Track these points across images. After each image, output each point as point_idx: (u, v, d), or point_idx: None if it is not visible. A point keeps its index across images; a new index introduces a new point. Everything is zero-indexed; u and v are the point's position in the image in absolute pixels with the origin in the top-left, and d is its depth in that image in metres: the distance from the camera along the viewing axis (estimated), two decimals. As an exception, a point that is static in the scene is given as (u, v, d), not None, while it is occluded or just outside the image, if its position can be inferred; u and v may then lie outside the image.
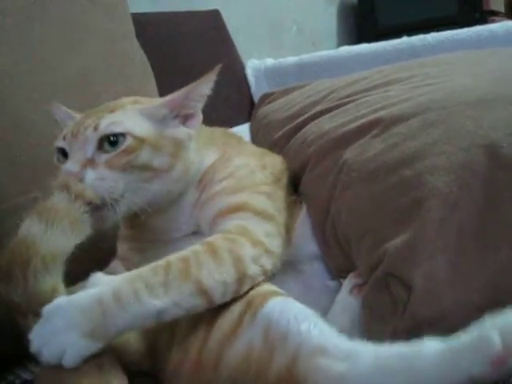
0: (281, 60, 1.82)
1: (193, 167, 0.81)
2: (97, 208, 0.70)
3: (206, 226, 0.79)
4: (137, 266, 0.68)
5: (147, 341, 0.72)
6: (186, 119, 0.81)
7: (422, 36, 1.60)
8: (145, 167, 0.75)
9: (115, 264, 0.86)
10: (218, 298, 0.66)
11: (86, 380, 0.61)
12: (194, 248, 0.69)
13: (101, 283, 0.64)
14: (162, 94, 1.29)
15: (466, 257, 0.63)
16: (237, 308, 0.67)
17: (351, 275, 0.79)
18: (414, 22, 2.69)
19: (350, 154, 0.83)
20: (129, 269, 0.72)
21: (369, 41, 1.91)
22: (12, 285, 0.64)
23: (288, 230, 0.83)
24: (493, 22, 2.49)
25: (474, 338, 0.52)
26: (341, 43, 2.89)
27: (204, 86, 0.80)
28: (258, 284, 0.70)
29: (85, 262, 0.69)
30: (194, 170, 0.82)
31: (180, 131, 0.80)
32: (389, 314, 0.67)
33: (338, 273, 0.83)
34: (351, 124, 0.88)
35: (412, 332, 0.64)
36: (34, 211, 0.67)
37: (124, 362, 0.67)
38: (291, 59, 1.79)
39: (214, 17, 1.90)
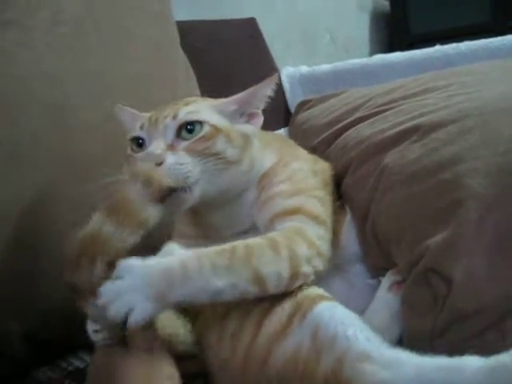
0: (315, 67, 1.84)
1: (256, 163, 0.86)
2: (175, 190, 0.74)
3: (262, 225, 0.83)
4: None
5: (196, 337, 0.76)
6: (249, 118, 0.86)
7: (455, 45, 1.60)
8: (219, 156, 0.78)
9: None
10: (271, 289, 0.70)
11: (136, 367, 0.65)
12: (257, 240, 0.73)
13: (173, 254, 0.69)
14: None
15: (503, 254, 0.66)
16: (286, 309, 0.70)
17: (390, 273, 0.83)
18: (446, 30, 2.68)
19: (391, 158, 0.86)
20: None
21: (401, 49, 1.93)
22: (78, 272, 0.69)
23: (335, 233, 0.87)
24: (526, 29, 2.49)
25: (510, 357, 0.55)
26: (373, 51, 2.91)
27: (268, 88, 0.84)
28: (307, 287, 0.74)
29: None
30: (257, 167, 0.86)
31: (247, 127, 0.85)
32: (428, 307, 0.70)
33: (376, 271, 0.87)
34: (391, 130, 0.92)
35: (450, 325, 0.67)
36: (105, 206, 0.70)
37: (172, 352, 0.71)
38: (325, 67, 1.81)
39: (251, 25, 1.94)
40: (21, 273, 0.88)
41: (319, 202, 0.85)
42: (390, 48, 2.83)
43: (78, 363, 0.94)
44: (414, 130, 0.87)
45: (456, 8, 2.77)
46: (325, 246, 0.79)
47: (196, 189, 0.77)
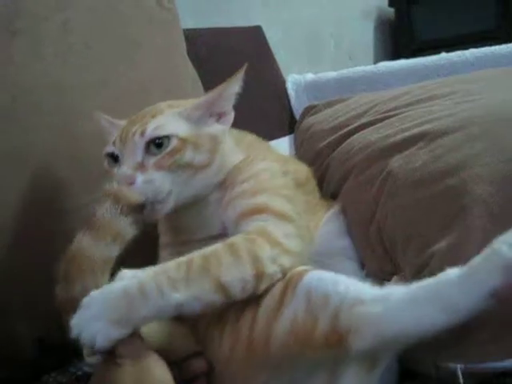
0: (320, 75, 1.85)
1: (227, 161, 0.87)
2: (149, 203, 0.78)
3: (229, 226, 0.83)
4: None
5: (199, 340, 0.77)
6: (219, 117, 0.87)
7: (460, 52, 1.61)
8: (188, 165, 0.81)
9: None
10: (236, 294, 0.70)
11: (124, 377, 0.66)
12: (215, 247, 0.73)
13: (127, 277, 0.69)
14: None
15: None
16: (278, 288, 0.71)
17: (395, 278, 0.83)
18: (451, 37, 2.69)
19: (396, 163, 0.87)
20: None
21: (406, 56, 1.94)
22: (67, 285, 0.74)
23: (311, 230, 0.88)
24: (532, 36, 2.49)
25: (486, 254, 0.59)
26: (377, 58, 2.92)
27: (234, 85, 0.86)
28: (295, 267, 0.74)
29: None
30: (227, 166, 0.87)
31: (215, 128, 0.86)
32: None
33: (381, 275, 0.87)
34: (396, 136, 0.93)
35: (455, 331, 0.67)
36: (85, 224, 0.76)
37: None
38: (330, 74, 1.82)
39: (256, 32, 1.95)
40: (32, 277, 0.89)
41: (286, 200, 0.83)
42: (395, 55, 2.84)
43: (86, 368, 0.94)
44: (420, 136, 0.88)
45: (461, 15, 2.78)
46: (293, 243, 0.77)
47: (169, 199, 0.80)
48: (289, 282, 0.71)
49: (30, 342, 0.91)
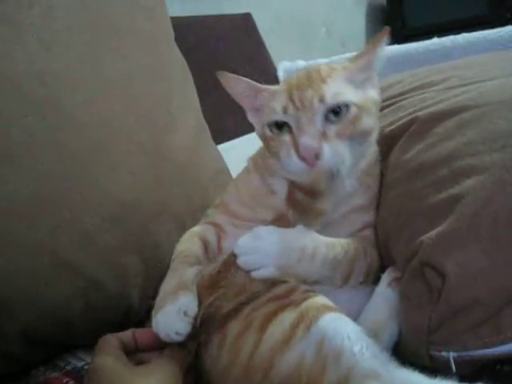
0: (311, 62, 1.85)
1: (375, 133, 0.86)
2: (330, 176, 0.76)
3: (344, 232, 0.86)
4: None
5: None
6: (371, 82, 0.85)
7: (452, 37, 1.61)
8: (364, 133, 0.79)
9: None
10: (351, 284, 0.80)
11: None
12: (358, 244, 0.82)
13: (307, 235, 0.77)
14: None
15: (499, 246, 0.65)
16: (289, 318, 0.68)
17: (389, 269, 0.82)
18: (443, 23, 2.69)
19: (393, 156, 0.87)
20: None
21: (397, 42, 1.92)
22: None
23: None
24: (523, 22, 2.48)
25: None
26: (369, 45, 2.90)
27: (384, 44, 0.84)
28: (312, 296, 0.72)
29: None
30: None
31: (374, 93, 0.84)
32: (425, 301, 0.69)
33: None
34: (391, 126, 0.92)
35: (445, 319, 0.66)
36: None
37: None
38: (321, 61, 1.81)
39: (246, 20, 1.93)
40: (18, 271, 0.87)
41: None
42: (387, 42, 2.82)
43: (75, 362, 0.93)
44: (413, 121, 0.87)
45: (452, 1, 2.76)
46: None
47: (348, 173, 0.78)
48: (303, 316, 0.68)
49: (14, 337, 0.89)
